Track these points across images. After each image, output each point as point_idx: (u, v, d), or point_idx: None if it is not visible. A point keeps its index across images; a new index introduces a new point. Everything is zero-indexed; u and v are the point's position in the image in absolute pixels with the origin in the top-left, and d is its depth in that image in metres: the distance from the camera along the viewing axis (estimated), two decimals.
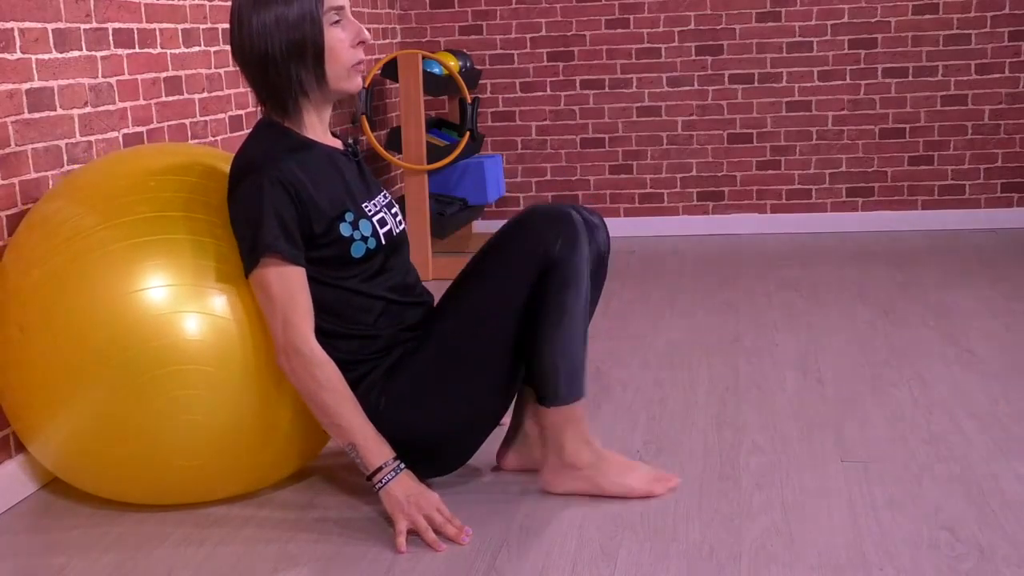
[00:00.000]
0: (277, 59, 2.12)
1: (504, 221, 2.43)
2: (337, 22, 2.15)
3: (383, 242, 2.21)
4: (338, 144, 2.29)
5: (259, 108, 2.26)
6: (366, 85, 4.34)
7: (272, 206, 2.08)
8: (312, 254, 2.15)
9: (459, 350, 2.21)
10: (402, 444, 2.19)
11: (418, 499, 2.10)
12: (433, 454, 2.26)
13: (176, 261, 2.15)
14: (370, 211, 2.22)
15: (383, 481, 2.11)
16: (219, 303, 2.15)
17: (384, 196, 2.32)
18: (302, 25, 2.11)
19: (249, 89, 2.22)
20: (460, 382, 2.21)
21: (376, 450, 2.12)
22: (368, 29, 4.73)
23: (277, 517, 2.25)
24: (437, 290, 2.36)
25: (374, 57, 4.83)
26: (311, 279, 2.16)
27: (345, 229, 2.16)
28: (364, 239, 2.18)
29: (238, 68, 2.21)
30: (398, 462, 2.12)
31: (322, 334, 2.18)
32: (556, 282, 2.16)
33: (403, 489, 2.11)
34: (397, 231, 2.28)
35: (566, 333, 2.19)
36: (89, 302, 2.12)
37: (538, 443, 2.35)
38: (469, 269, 2.33)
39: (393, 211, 2.31)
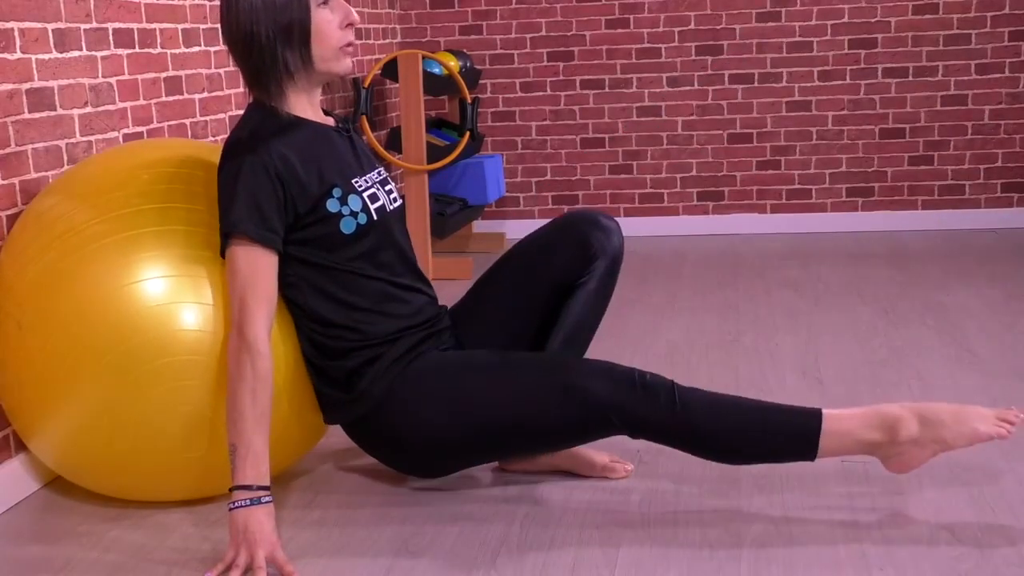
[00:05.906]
0: (263, 40, 2.11)
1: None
2: (325, 3, 2.14)
3: (375, 218, 2.20)
4: (330, 122, 2.28)
5: (247, 92, 2.25)
6: (365, 85, 4.34)
7: (247, 188, 2.07)
8: (302, 234, 2.14)
9: (511, 385, 2.17)
10: (399, 439, 2.21)
11: (255, 536, 1.95)
12: (426, 457, 2.26)
13: (171, 252, 2.15)
14: (360, 187, 2.21)
15: (239, 503, 1.97)
16: (215, 293, 2.15)
17: (378, 173, 2.30)
18: (289, 6, 2.10)
19: (239, 72, 2.21)
20: (497, 409, 2.17)
21: (252, 468, 1.98)
22: (368, 29, 4.74)
23: (278, 517, 2.24)
24: (437, 290, 2.36)
25: (374, 57, 4.83)
26: (304, 262, 2.16)
27: (332, 205, 2.15)
28: (354, 214, 2.16)
29: (226, 48, 2.19)
30: (264, 492, 1.98)
31: (320, 322, 2.18)
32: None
33: (249, 520, 1.96)
34: (391, 207, 2.26)
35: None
36: (85, 296, 2.12)
37: None
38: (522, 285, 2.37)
39: (387, 188, 2.29)
